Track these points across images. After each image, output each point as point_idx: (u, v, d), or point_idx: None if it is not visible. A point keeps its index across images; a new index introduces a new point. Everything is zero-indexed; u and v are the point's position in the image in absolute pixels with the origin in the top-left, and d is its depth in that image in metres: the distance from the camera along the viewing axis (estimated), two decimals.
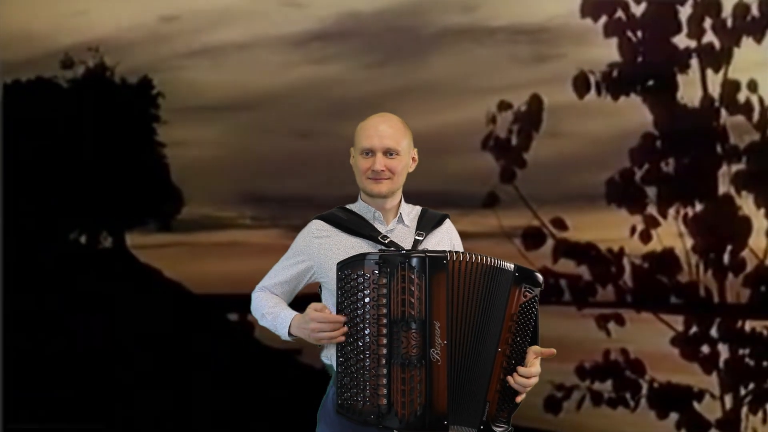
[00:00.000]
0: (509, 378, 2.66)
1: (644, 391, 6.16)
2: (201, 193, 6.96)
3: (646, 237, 6.14)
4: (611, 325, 6.19)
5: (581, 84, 6.14)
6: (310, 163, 6.65)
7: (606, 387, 6.18)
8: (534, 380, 2.68)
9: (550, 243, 6.28)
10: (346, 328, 2.63)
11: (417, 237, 2.81)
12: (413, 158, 2.89)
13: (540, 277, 2.71)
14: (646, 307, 6.20)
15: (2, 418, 6.10)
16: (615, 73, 6.16)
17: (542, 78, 6.33)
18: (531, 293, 2.68)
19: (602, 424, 6.20)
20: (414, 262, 2.58)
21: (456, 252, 2.65)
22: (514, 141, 6.30)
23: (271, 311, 2.80)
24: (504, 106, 6.29)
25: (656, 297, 6.17)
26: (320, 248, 2.81)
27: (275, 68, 6.84)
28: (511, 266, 2.68)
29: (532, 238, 6.27)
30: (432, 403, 2.57)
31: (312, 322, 2.65)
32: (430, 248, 2.74)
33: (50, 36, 6.90)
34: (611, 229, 6.23)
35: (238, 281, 6.64)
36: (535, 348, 2.70)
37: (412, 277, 2.57)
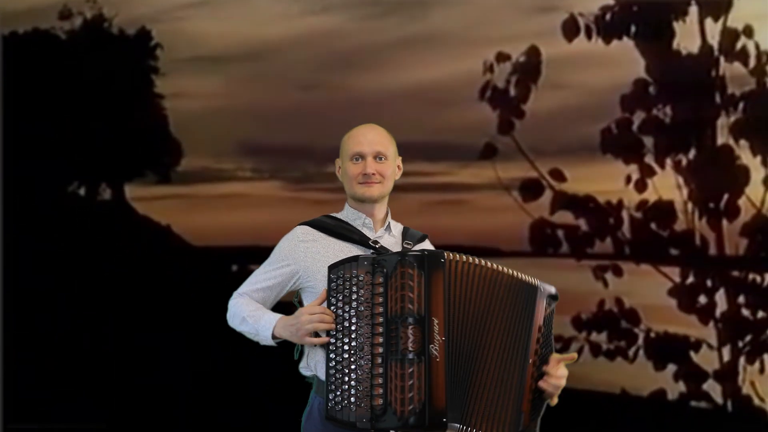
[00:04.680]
0: (542, 383, 2.68)
1: (641, 341, 6.18)
2: (200, 145, 6.95)
3: (641, 186, 6.13)
4: (609, 277, 6.21)
5: (570, 28, 6.09)
6: (309, 114, 6.63)
7: (602, 338, 6.21)
8: (563, 381, 2.71)
9: (548, 194, 6.27)
10: (332, 325, 2.64)
11: (405, 245, 2.81)
12: (398, 166, 2.89)
13: (557, 292, 2.73)
14: (643, 258, 6.20)
15: (2, 418, 6.09)
16: (608, 17, 6.12)
17: (542, 29, 6.28)
18: (550, 307, 2.70)
19: (601, 375, 6.23)
20: (411, 258, 2.59)
21: (453, 252, 2.64)
22: (512, 92, 6.27)
23: (252, 314, 2.79)
24: (502, 57, 6.26)
25: (653, 248, 6.17)
26: (306, 252, 2.81)
27: (275, 19, 6.81)
28: (534, 281, 2.69)
29: (530, 189, 6.26)
30: (432, 400, 2.55)
31: (304, 314, 2.66)
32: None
33: None
34: (608, 179, 6.22)
35: (238, 233, 6.67)
36: (556, 355, 2.72)
37: (411, 272, 2.57)
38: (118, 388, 6.31)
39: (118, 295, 6.61)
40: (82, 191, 6.99)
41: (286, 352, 2.84)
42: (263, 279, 2.85)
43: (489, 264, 2.67)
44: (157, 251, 6.81)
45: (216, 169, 6.99)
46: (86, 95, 6.83)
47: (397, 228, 2.91)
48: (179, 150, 6.92)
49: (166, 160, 6.95)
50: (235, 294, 2.88)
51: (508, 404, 2.64)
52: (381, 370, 2.56)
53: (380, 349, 2.57)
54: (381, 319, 2.58)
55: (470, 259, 2.65)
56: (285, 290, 2.87)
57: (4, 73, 6.56)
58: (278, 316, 2.76)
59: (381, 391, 2.56)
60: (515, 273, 2.68)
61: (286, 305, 2.89)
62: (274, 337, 2.75)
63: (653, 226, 6.16)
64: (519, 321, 2.67)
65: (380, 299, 2.58)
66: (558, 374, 2.69)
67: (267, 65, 6.85)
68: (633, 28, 6.10)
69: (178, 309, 6.57)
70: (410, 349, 2.54)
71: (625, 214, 6.20)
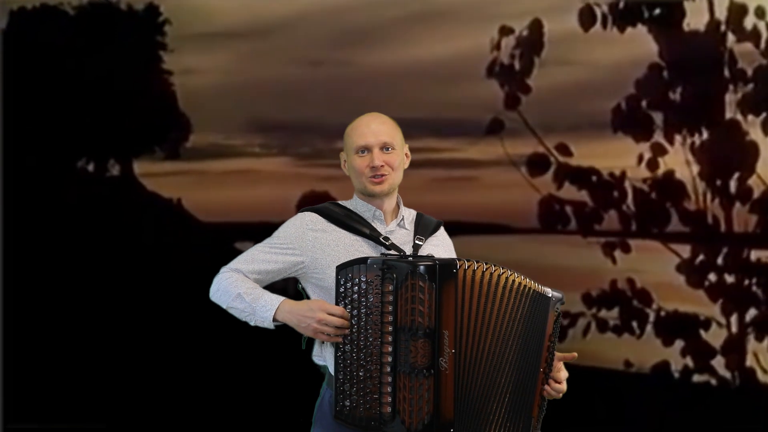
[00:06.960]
0: (547, 387, 2.66)
1: (651, 319, 6.19)
2: (209, 121, 6.93)
3: (653, 165, 6.13)
4: (617, 253, 6.21)
5: (587, 17, 6.09)
6: (319, 90, 6.62)
7: (612, 315, 6.21)
8: (565, 386, 2.72)
9: (554, 169, 6.27)
10: (346, 331, 2.58)
11: (417, 242, 2.75)
12: (406, 154, 2.83)
13: (563, 295, 2.70)
14: (652, 235, 6.20)
15: (2, 418, 6.09)
16: (621, 4, 6.11)
17: (549, 5, 6.27)
18: (557, 313, 2.67)
19: (608, 351, 6.24)
20: (423, 269, 2.50)
21: (467, 260, 2.57)
22: (516, 66, 6.27)
23: (250, 292, 2.68)
24: (506, 31, 6.25)
25: (663, 225, 6.17)
26: (315, 242, 2.72)
27: None
28: (549, 292, 2.65)
29: (538, 165, 6.26)
30: (439, 412, 2.52)
31: (321, 312, 2.58)
32: (425, 254, 2.69)
33: None
34: (618, 157, 6.22)
35: (246, 209, 6.68)
36: (559, 354, 2.69)
37: (422, 285, 2.50)
38: (117, 387, 6.30)
39: (125, 271, 6.63)
40: (90, 167, 7.00)
41: (297, 340, 2.77)
42: (263, 260, 2.75)
43: (502, 270, 2.60)
44: (166, 227, 6.82)
45: (225, 145, 6.99)
46: (94, 71, 6.82)
47: (409, 218, 2.84)
48: (188, 126, 6.91)
49: (175, 136, 6.94)
50: (226, 269, 2.78)
51: (521, 411, 2.62)
52: (390, 379, 2.53)
53: (389, 358, 2.53)
54: (390, 328, 2.53)
55: (483, 265, 2.58)
56: (282, 276, 2.78)
57: (12, 48, 6.57)
58: (281, 298, 2.67)
59: (390, 399, 2.53)
60: (527, 281, 2.63)
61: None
62: (275, 319, 2.66)
63: (662, 202, 6.16)
64: (531, 330, 2.62)
65: (390, 308, 2.52)
66: (560, 378, 2.70)
67: (276, 41, 6.83)
68: (645, 13, 6.09)
69: (185, 285, 6.58)
70: (420, 363, 2.51)
71: (628, 186, 6.20)
